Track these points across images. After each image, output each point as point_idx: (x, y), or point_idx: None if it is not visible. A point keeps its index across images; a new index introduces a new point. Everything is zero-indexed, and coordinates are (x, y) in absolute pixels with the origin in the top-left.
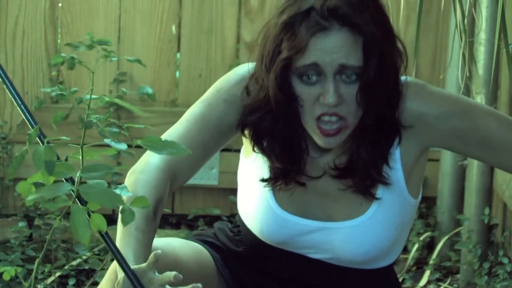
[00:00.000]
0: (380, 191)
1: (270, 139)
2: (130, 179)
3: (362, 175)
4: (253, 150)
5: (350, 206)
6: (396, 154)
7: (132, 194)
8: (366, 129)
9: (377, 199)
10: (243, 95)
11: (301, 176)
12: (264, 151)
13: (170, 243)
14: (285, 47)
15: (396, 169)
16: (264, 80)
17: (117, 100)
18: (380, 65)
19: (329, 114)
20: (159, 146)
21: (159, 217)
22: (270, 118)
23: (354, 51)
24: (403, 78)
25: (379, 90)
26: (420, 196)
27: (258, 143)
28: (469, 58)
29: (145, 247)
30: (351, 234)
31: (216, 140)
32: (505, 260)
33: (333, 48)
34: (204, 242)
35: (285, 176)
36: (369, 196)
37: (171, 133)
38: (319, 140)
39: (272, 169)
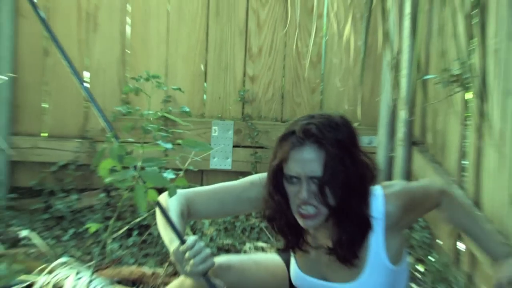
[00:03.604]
0: (367, 265)
1: (278, 223)
2: (161, 198)
3: (341, 252)
4: (273, 230)
5: (343, 273)
6: (380, 239)
7: (166, 203)
8: (340, 220)
9: (357, 267)
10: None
11: (304, 245)
12: (277, 231)
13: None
14: (276, 156)
15: (378, 252)
16: (267, 183)
17: (167, 114)
18: (334, 173)
19: (305, 204)
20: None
21: (186, 220)
22: (271, 210)
23: (321, 164)
24: (379, 187)
25: (335, 191)
26: (402, 263)
27: (272, 226)
28: (396, 86)
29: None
30: None
31: (235, 203)
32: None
33: (306, 160)
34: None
35: (291, 246)
36: (350, 265)
37: (216, 187)
38: (301, 222)
39: (284, 241)
